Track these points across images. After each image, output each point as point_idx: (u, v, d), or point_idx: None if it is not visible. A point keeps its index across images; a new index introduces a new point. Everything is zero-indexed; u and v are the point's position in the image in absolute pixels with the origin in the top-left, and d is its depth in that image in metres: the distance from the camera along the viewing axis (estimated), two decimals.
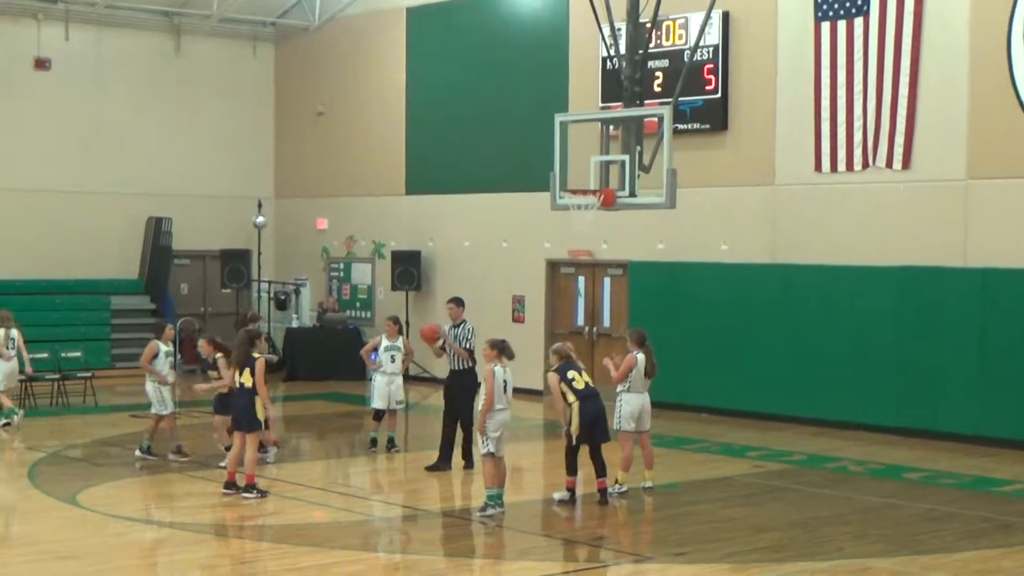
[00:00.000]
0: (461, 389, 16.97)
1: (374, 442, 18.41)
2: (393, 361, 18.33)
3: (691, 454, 18.59)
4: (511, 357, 14.39)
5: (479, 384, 15.42)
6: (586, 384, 14.72)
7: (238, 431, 15.21)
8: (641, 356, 15.41)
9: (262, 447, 17.43)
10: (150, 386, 17.44)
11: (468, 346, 16.97)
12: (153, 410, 17.59)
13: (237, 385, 15.14)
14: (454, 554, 12.64)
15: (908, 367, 19.94)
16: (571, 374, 14.68)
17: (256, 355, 15.10)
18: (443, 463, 16.93)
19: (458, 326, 17.16)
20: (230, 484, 15.04)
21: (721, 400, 22.01)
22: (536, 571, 12.10)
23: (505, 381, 14.22)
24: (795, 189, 21.42)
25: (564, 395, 14.60)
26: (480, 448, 14.24)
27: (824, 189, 21.01)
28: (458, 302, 17.40)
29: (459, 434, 17.08)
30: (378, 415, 18.38)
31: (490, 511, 14.05)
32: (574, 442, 14.75)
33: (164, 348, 17.49)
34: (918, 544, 13.00)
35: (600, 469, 14.86)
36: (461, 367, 17.07)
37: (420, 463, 17.23)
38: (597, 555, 12.86)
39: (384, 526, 14.31)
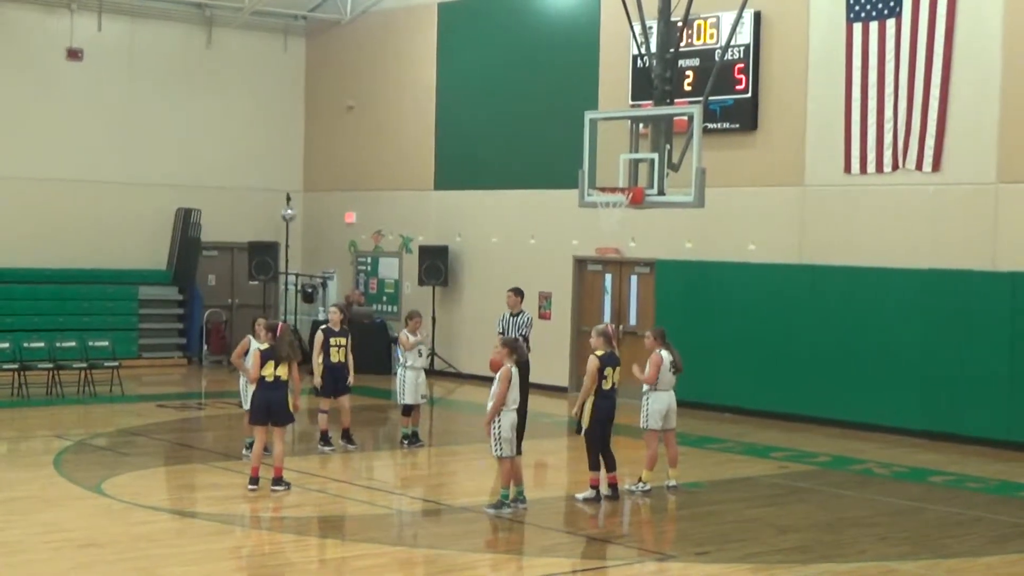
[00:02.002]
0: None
1: (406, 437, 18.35)
2: (420, 356, 18.33)
3: (715, 453, 18.54)
4: (523, 358, 14.35)
5: (528, 373, 16.32)
6: (612, 385, 14.74)
7: (276, 425, 15.06)
8: (666, 354, 15.39)
9: (326, 440, 17.51)
10: (241, 381, 17.25)
11: (526, 334, 17.42)
12: (245, 406, 17.66)
13: (272, 377, 14.97)
14: (476, 549, 12.61)
15: (935, 370, 19.84)
16: (608, 371, 14.70)
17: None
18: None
19: (516, 315, 17.77)
20: (255, 480, 14.96)
21: (746, 400, 21.94)
22: (557, 568, 12.06)
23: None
24: (824, 190, 21.32)
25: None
26: (492, 450, 14.16)
27: (853, 190, 20.91)
28: (517, 291, 18.03)
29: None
30: (407, 410, 18.35)
31: (505, 509, 14.05)
32: (582, 432, 14.78)
33: (257, 346, 17.45)
34: (943, 548, 12.92)
35: (610, 464, 14.86)
36: None
37: (444, 458, 17.21)
38: (620, 553, 12.81)
39: (407, 520, 14.30)
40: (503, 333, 17.61)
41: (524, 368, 16.56)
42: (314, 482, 15.64)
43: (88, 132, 27.93)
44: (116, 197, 28.18)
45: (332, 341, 17.74)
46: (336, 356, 17.74)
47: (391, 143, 28.68)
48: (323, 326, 17.97)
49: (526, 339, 17.17)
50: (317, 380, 17.61)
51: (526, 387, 16.70)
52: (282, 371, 14.93)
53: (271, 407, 14.98)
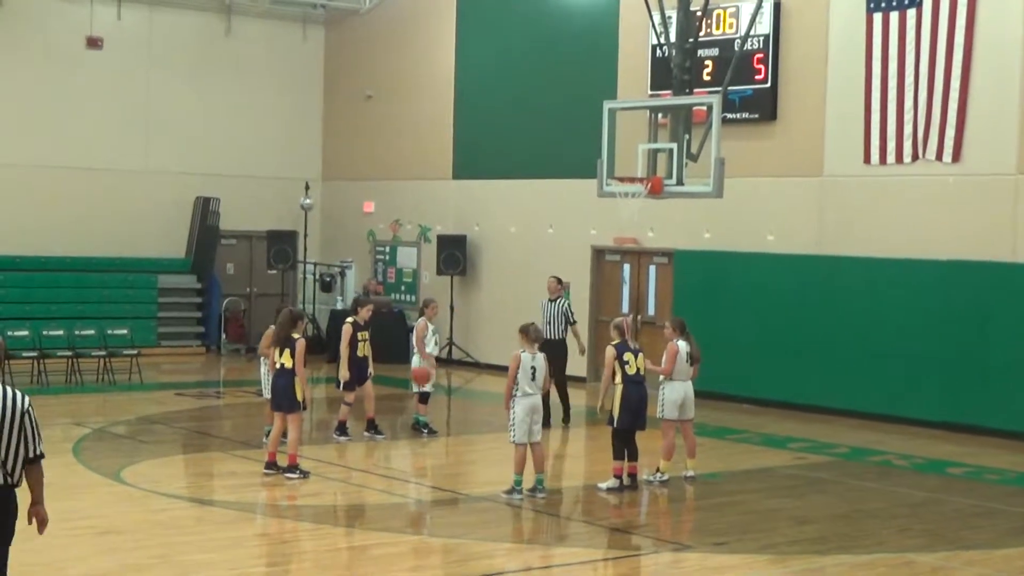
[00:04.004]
0: (554, 357, 17.58)
1: (425, 426, 18.41)
2: (437, 344, 18.40)
3: (733, 444, 18.53)
4: (537, 339, 14.35)
5: (566, 353, 19.21)
6: (637, 370, 14.73)
7: (278, 412, 15.23)
8: (683, 344, 15.37)
9: (374, 426, 17.59)
10: (262, 368, 17.20)
11: (573, 319, 19.53)
12: (265, 394, 17.75)
13: (277, 365, 15.13)
14: (493, 539, 12.62)
15: (954, 362, 19.78)
16: (627, 356, 14.70)
17: (296, 335, 15.07)
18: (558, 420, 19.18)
19: (555, 300, 19.42)
20: (271, 464, 15.08)
21: (764, 391, 21.91)
22: (574, 557, 12.08)
23: (534, 367, 14.17)
24: (843, 181, 21.27)
25: (614, 374, 14.65)
26: (509, 435, 14.24)
27: (873, 181, 20.86)
28: (558, 279, 19.80)
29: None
30: (425, 398, 18.39)
31: (515, 496, 14.10)
32: (614, 424, 14.77)
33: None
34: (961, 539, 12.89)
35: (633, 454, 14.86)
36: (555, 337, 19.04)
37: (461, 447, 17.23)
38: (637, 543, 12.82)
39: (424, 509, 14.32)
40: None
41: (552, 350, 17.78)
42: (332, 471, 15.68)
43: (107, 120, 27.98)
44: (135, 185, 28.24)
45: (359, 335, 17.77)
46: (362, 350, 17.81)
47: (409, 132, 28.68)
48: (351, 320, 17.89)
49: (572, 323, 19.44)
50: (344, 373, 17.57)
51: (560, 372, 18.76)
52: (285, 358, 14.96)
53: (274, 393, 15.23)
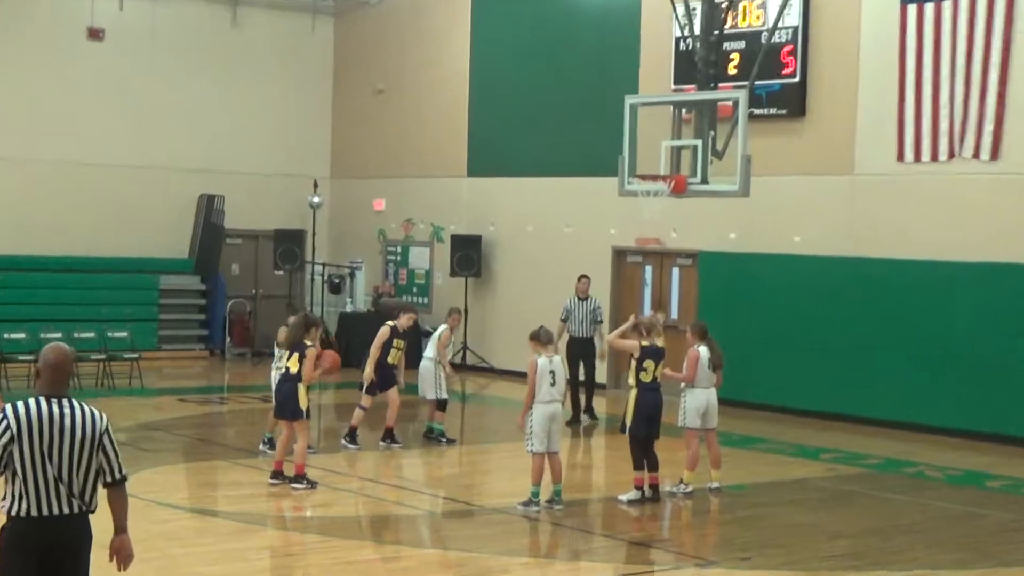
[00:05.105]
0: (585, 356, 20.69)
1: (443, 435, 18.37)
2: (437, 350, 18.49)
3: (760, 454, 18.46)
4: (548, 341, 14.28)
5: (595, 351, 20.56)
6: (653, 378, 14.71)
7: (282, 419, 15.20)
8: (704, 349, 15.30)
9: (391, 435, 17.58)
10: (272, 373, 17.24)
11: (600, 318, 20.90)
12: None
13: (282, 369, 15.13)
14: (509, 552, 12.56)
15: (992, 369, 19.67)
16: (647, 363, 14.67)
17: (308, 343, 15.04)
18: (572, 421, 19.97)
19: (584, 300, 20.71)
20: (277, 473, 15.05)
21: (792, 399, 21.82)
22: (593, 572, 12.04)
23: (552, 372, 14.07)
24: (876, 179, 21.18)
25: (628, 376, 14.77)
26: (525, 445, 14.18)
27: (906, 180, 20.76)
28: (587, 279, 21.08)
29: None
30: (442, 405, 18.36)
31: (532, 507, 14.04)
32: (627, 432, 14.77)
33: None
34: (1000, 556, 12.80)
35: (653, 464, 14.80)
36: (586, 335, 20.60)
37: (476, 457, 17.20)
38: (658, 558, 12.75)
39: (438, 521, 14.28)
40: (566, 320, 20.70)
41: (583, 349, 20.08)
42: (341, 480, 15.64)
43: (108, 115, 27.97)
44: (137, 182, 28.22)
45: (395, 343, 17.76)
46: (394, 358, 17.80)
47: (422, 128, 28.65)
48: (392, 324, 17.85)
49: (599, 322, 20.77)
50: (369, 373, 17.55)
51: (591, 371, 20.84)
52: (292, 363, 14.96)
53: (277, 399, 15.28)
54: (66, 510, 7.40)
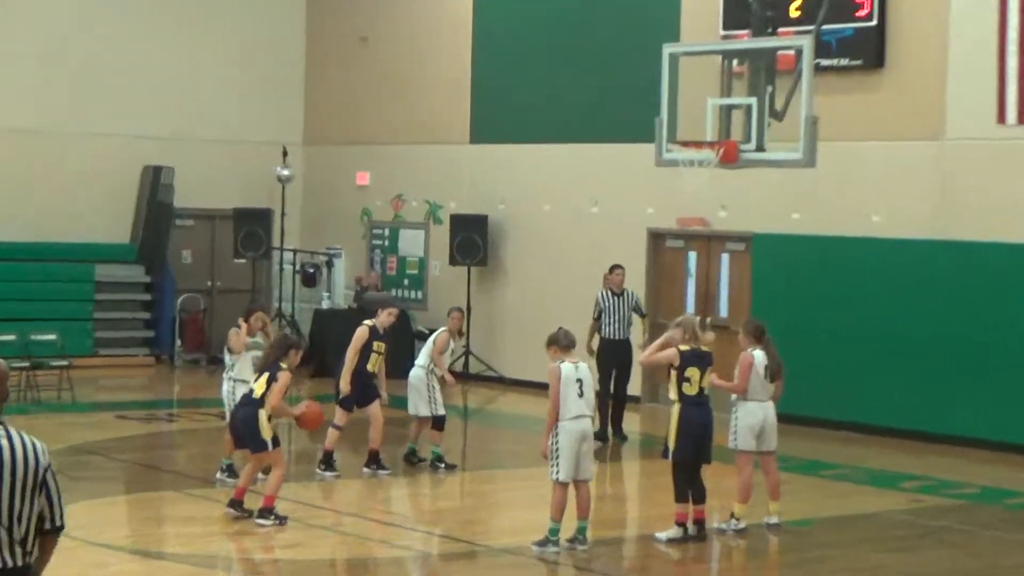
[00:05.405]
0: (620, 361, 21.02)
1: (440, 460, 18.37)
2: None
3: (829, 483, 18.51)
4: (570, 346, 14.20)
5: (632, 358, 20.49)
6: (700, 391, 14.65)
7: (241, 449, 15.25)
8: (759, 354, 15.25)
9: (377, 461, 17.66)
10: (225, 386, 17.27)
11: (643, 312, 21.65)
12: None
13: (237, 380, 15.22)
14: None
15: None
16: (690, 372, 14.60)
17: (283, 365, 15.01)
18: (596, 436, 17.66)
19: (620, 295, 21.05)
20: (236, 503, 15.02)
21: (868, 414, 21.85)
22: None
23: (580, 380, 13.97)
24: (971, 145, 21.17)
25: (669, 389, 14.72)
26: (549, 472, 14.09)
27: (1008, 146, 20.76)
28: (622, 269, 21.43)
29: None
30: (439, 423, 18.34)
31: (550, 548, 14.00)
32: (670, 456, 14.68)
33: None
34: None
35: (699, 495, 14.74)
36: (620, 336, 20.97)
37: (481, 485, 17.22)
38: None
39: (433, 565, 14.32)
40: (598, 319, 21.01)
41: (618, 353, 20.38)
42: (316, 515, 15.66)
43: (33, 72, 27.97)
44: (68, 152, 28.25)
45: (375, 345, 17.79)
46: (373, 364, 17.83)
47: (415, 85, 28.69)
48: (370, 323, 17.88)
49: (643, 316, 21.63)
50: (345, 385, 17.55)
51: (625, 380, 21.09)
52: (259, 385, 14.95)
53: (233, 425, 15.49)
54: (10, 563, 7.11)
